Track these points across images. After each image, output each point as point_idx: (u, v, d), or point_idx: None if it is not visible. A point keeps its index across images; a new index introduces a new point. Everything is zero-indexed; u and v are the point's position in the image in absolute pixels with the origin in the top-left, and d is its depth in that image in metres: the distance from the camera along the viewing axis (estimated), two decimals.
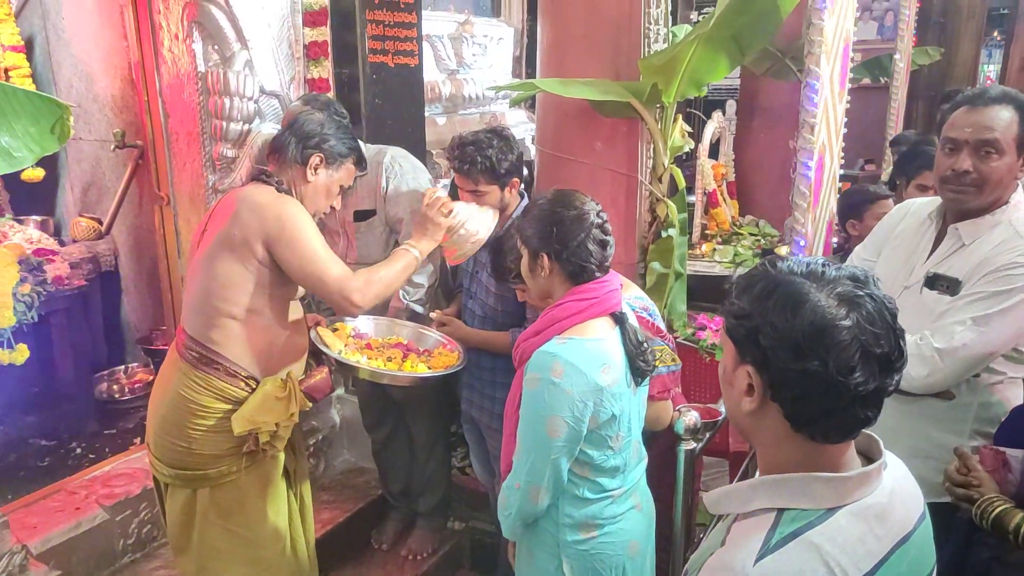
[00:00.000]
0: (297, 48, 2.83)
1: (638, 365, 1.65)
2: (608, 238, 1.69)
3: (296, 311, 2.05)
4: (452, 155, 2.26)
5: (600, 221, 1.69)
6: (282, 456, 2.05)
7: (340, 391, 3.09)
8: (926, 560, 1.01)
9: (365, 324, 2.34)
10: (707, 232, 4.57)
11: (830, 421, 0.93)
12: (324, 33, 2.84)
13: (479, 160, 2.19)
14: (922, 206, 1.97)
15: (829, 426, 0.93)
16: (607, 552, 1.69)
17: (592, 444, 1.61)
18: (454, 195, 2.42)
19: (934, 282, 1.79)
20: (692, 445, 2.04)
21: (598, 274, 1.67)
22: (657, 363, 1.83)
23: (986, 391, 1.76)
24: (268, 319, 1.95)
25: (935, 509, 1.61)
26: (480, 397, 2.40)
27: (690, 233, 4.56)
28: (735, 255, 4.21)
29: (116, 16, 3.07)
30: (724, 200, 4.76)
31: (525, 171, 4.09)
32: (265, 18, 2.68)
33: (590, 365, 1.55)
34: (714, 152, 5.02)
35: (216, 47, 2.60)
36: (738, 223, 4.70)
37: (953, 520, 1.57)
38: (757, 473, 1.02)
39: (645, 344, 1.68)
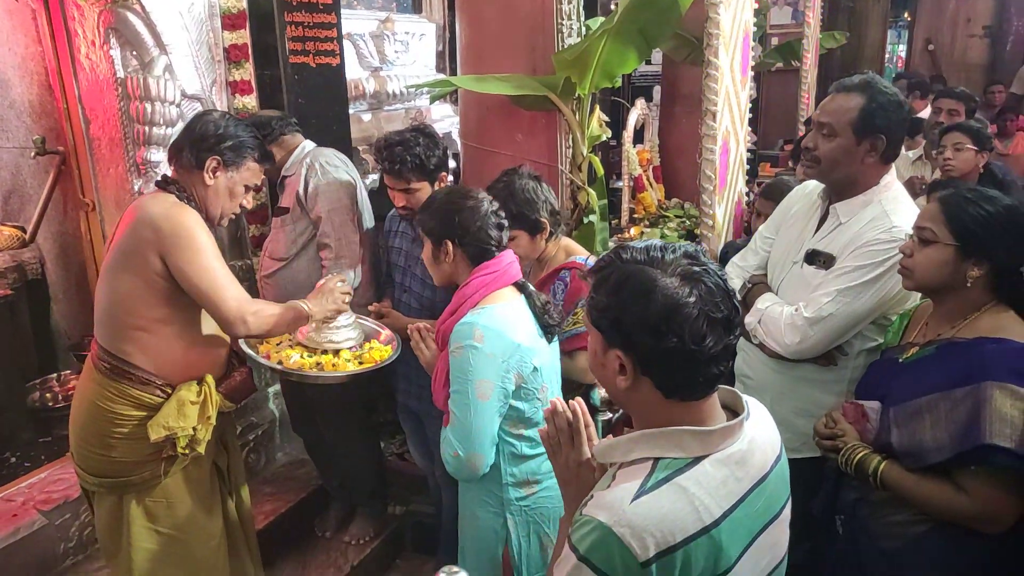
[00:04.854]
0: (217, 51, 2.85)
1: (545, 322, 1.84)
2: (503, 221, 1.88)
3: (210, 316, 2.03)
4: (380, 157, 2.33)
5: (494, 208, 1.87)
6: (209, 456, 2.07)
7: (277, 386, 3.15)
8: (780, 495, 1.18)
9: None
10: (635, 216, 4.71)
11: (694, 382, 1.07)
12: (244, 36, 2.87)
13: (408, 159, 2.27)
14: (815, 187, 2.15)
15: (694, 387, 1.08)
16: (546, 505, 1.86)
17: (521, 398, 1.78)
18: (384, 190, 2.50)
19: (813, 257, 1.97)
20: (608, 415, 2.19)
21: (496, 253, 1.84)
22: (579, 324, 2.07)
23: (860, 356, 1.95)
24: (178, 327, 1.94)
25: (812, 461, 1.81)
26: (418, 388, 2.50)
27: (618, 217, 4.74)
28: (662, 237, 4.36)
29: (29, 21, 3.03)
30: (650, 184, 4.92)
31: (452, 163, 4.17)
32: (183, 23, 2.70)
33: (506, 326, 1.73)
34: (639, 138, 5.20)
35: (134, 53, 2.61)
36: (664, 206, 4.85)
37: (824, 469, 1.75)
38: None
39: (548, 304, 1.87)
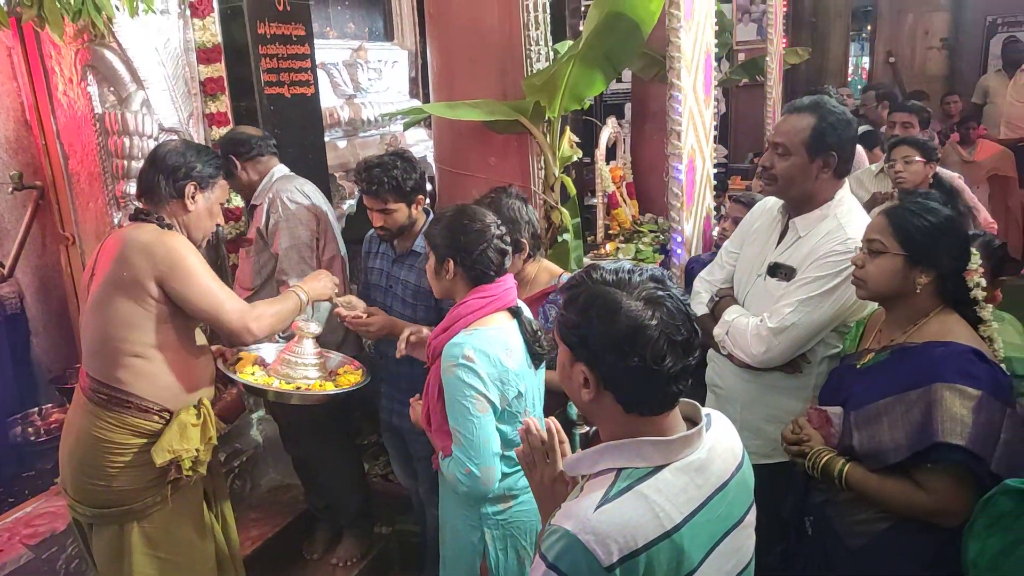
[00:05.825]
0: (193, 85, 2.91)
1: (534, 350, 1.89)
2: (507, 248, 1.93)
3: (199, 338, 2.11)
4: (360, 178, 2.40)
5: (500, 233, 1.92)
6: (201, 480, 2.11)
7: (261, 412, 3.18)
8: (743, 502, 1.24)
9: (269, 351, 2.42)
10: (610, 232, 4.79)
11: (653, 400, 1.14)
12: (219, 69, 2.93)
13: (386, 180, 2.34)
14: (775, 203, 2.24)
15: (653, 404, 1.15)
16: (522, 519, 1.91)
17: (504, 421, 1.83)
18: (362, 214, 2.56)
19: (775, 270, 2.06)
20: (586, 429, 2.25)
21: (495, 277, 1.89)
22: None
23: (824, 363, 2.03)
24: (174, 351, 2.00)
25: (783, 466, 1.89)
26: (400, 406, 2.54)
27: (594, 234, 4.83)
28: (637, 252, 4.43)
29: (4, 59, 3.07)
30: (624, 201, 5.01)
31: (428, 186, 4.23)
32: (159, 58, 2.75)
33: (496, 350, 1.78)
34: (612, 155, 5.30)
35: (112, 89, 2.66)
36: (638, 221, 4.93)
37: (793, 473, 1.83)
38: None
39: (539, 332, 1.92)
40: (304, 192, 2.66)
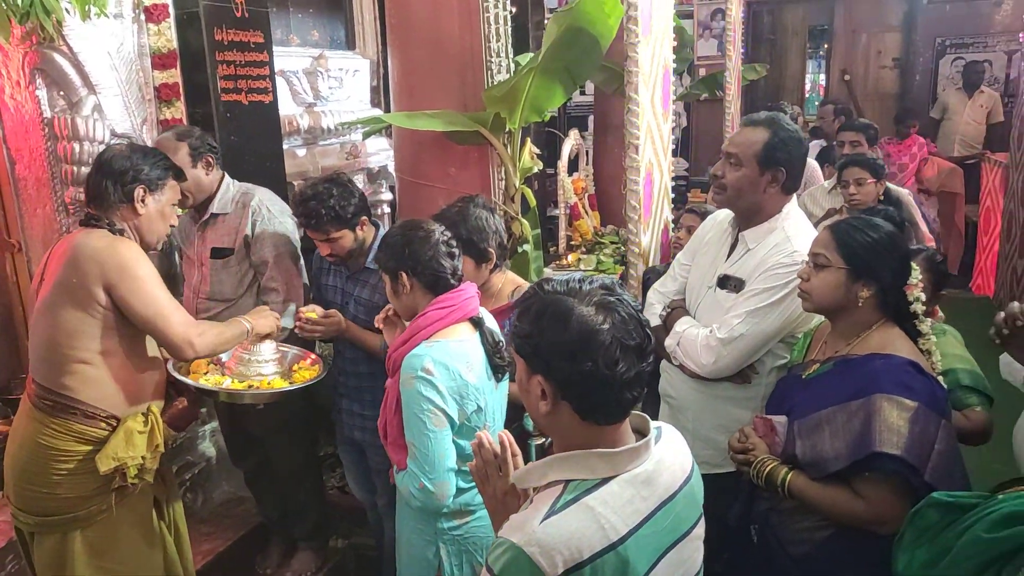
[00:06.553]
0: (148, 90, 2.86)
1: (495, 362, 1.88)
2: (455, 251, 1.93)
3: (151, 346, 2.08)
4: (298, 212, 2.37)
5: (445, 238, 1.92)
6: (151, 488, 2.09)
7: (214, 424, 3.12)
8: (690, 514, 1.25)
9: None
10: (572, 243, 4.83)
11: (609, 406, 1.15)
12: (174, 75, 2.89)
13: (323, 212, 2.30)
14: (725, 216, 2.28)
15: (609, 410, 1.15)
16: (478, 535, 1.89)
17: (462, 435, 1.81)
18: (309, 243, 2.54)
19: (724, 282, 2.10)
20: (541, 440, 2.25)
21: (453, 282, 1.90)
22: None
23: (772, 373, 2.07)
24: (121, 358, 1.98)
25: (731, 476, 1.92)
26: (361, 419, 2.52)
27: (556, 245, 4.86)
28: (598, 263, 4.48)
29: None
30: (586, 212, 5.06)
31: (389, 196, 4.21)
32: (112, 62, 2.71)
33: (456, 363, 1.77)
34: (574, 167, 5.35)
35: (62, 93, 2.61)
36: (600, 233, 4.98)
37: (739, 482, 1.86)
38: None
39: (501, 343, 1.91)
40: (280, 202, 2.64)
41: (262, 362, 2.24)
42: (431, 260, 1.86)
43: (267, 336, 2.25)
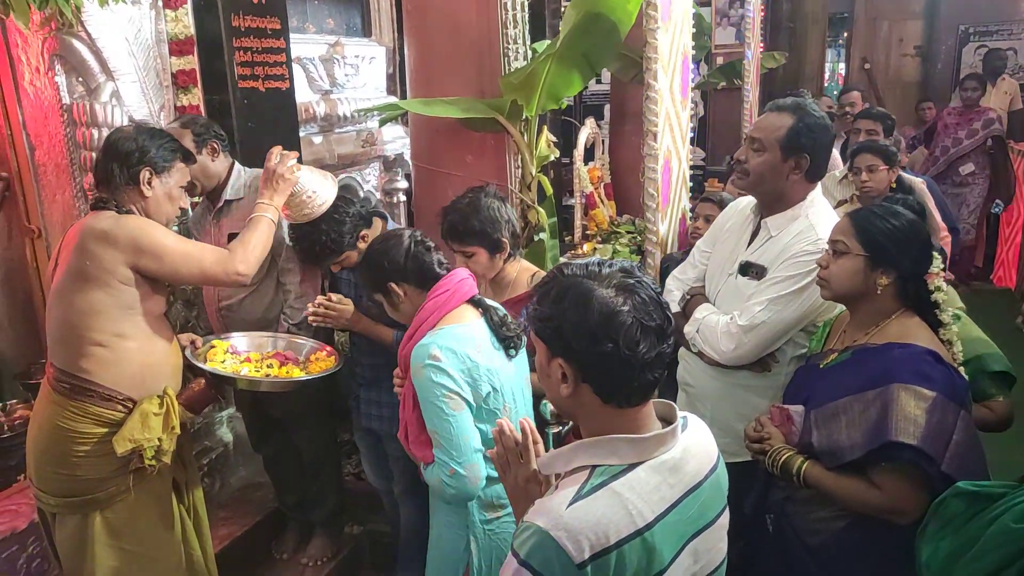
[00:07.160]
0: (165, 77, 2.87)
1: (503, 335, 1.86)
2: (431, 244, 1.96)
3: (166, 329, 2.10)
4: (303, 258, 2.46)
5: (418, 238, 1.95)
6: (170, 471, 2.11)
7: (231, 410, 3.15)
8: (715, 504, 1.24)
9: (240, 341, 2.41)
10: (588, 232, 4.82)
11: (630, 388, 1.14)
12: (192, 61, 2.90)
13: (316, 249, 2.37)
14: (747, 203, 2.26)
15: (630, 392, 1.14)
16: (509, 531, 1.86)
17: (481, 419, 1.80)
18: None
19: (746, 269, 2.08)
20: (558, 428, 2.25)
21: (441, 272, 1.90)
22: None
23: (792, 362, 2.05)
24: (138, 340, 1.99)
25: (749, 464, 1.90)
26: (379, 407, 2.54)
27: (572, 234, 4.84)
28: (614, 252, 4.46)
29: None
30: (601, 201, 5.04)
31: (404, 184, 4.20)
32: (130, 49, 2.72)
33: (463, 346, 1.76)
34: (590, 156, 5.32)
35: (81, 79, 2.62)
36: (616, 222, 4.96)
37: (755, 471, 1.85)
38: None
39: (506, 316, 1.90)
40: None
41: (312, 191, 2.30)
42: (411, 259, 1.88)
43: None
